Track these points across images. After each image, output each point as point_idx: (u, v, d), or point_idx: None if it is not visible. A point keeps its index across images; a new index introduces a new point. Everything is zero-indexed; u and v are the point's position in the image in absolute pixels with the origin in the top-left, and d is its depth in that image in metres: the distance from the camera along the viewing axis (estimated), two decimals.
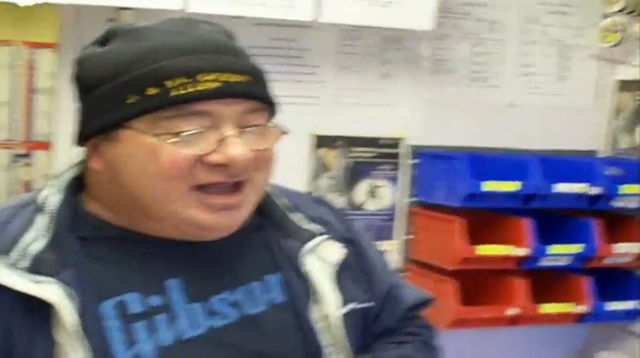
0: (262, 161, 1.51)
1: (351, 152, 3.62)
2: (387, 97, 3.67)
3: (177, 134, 1.42)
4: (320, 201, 1.82)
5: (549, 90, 3.92)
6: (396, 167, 3.69)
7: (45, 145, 5.68)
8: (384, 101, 3.67)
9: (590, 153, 3.98)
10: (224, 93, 1.44)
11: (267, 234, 1.64)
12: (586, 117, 3.98)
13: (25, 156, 6.02)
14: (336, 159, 3.61)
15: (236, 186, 1.47)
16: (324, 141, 3.58)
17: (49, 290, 1.38)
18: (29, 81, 6.05)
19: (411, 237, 3.73)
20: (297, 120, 3.41)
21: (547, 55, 3.91)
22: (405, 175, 3.70)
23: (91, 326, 1.41)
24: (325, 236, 1.66)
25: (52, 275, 1.40)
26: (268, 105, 1.53)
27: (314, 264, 1.62)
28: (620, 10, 3.80)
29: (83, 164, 1.55)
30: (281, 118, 3.26)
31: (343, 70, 3.59)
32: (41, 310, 1.39)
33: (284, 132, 1.55)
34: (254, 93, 1.49)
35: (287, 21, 3.36)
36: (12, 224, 1.47)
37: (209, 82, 1.42)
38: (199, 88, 1.41)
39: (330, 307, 1.58)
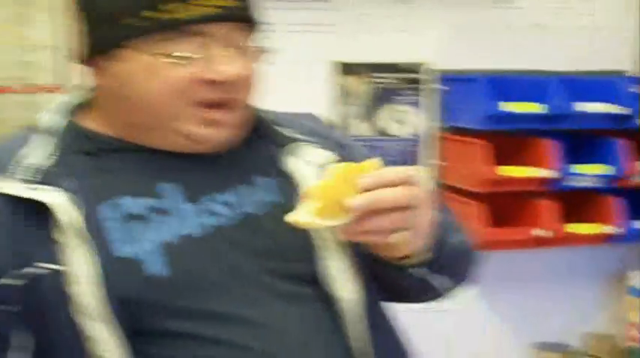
0: (250, 80, 1.62)
1: (374, 78, 3.64)
2: (409, 22, 3.66)
3: (171, 55, 1.52)
4: (310, 117, 1.91)
5: (576, 10, 3.87)
6: (420, 92, 3.69)
7: None
8: (406, 26, 3.66)
9: (619, 74, 3.90)
10: (214, 15, 1.53)
11: (259, 146, 1.72)
12: (614, 37, 3.92)
13: None
14: (359, 86, 3.63)
15: (228, 104, 1.58)
16: (346, 69, 3.60)
17: (47, 195, 1.48)
18: None
19: (441, 162, 3.76)
20: (318, 48, 3.52)
21: None
22: (429, 100, 3.70)
23: (91, 227, 1.49)
24: (309, 142, 1.74)
25: (57, 185, 1.50)
26: (254, 26, 1.62)
27: (299, 166, 1.69)
28: None
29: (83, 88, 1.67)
30: (301, 46, 3.43)
31: None
32: (41, 214, 1.48)
33: (266, 52, 1.63)
34: (242, 15, 1.58)
35: None
36: (4, 146, 1.60)
37: (200, 6, 1.51)
38: (190, 12, 1.50)
39: None
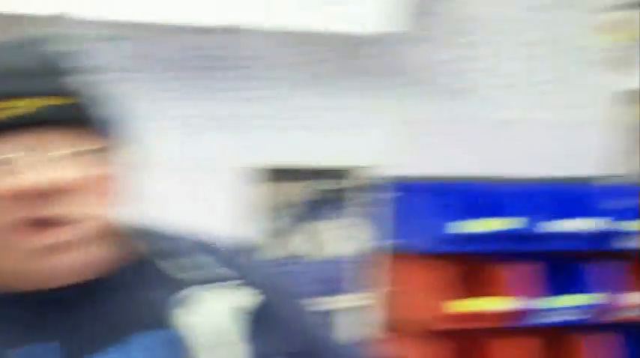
0: (85, 190, 1.42)
1: (307, 187, 3.27)
2: (351, 118, 3.29)
3: None
4: (217, 240, 1.64)
5: (542, 103, 3.53)
6: (364, 204, 3.28)
7: None
8: (347, 122, 3.29)
9: (598, 181, 3.56)
10: (18, 118, 1.41)
11: (140, 287, 1.50)
12: (592, 134, 3.57)
13: None
14: (288, 197, 3.24)
15: (53, 223, 1.40)
16: (276, 175, 3.20)
17: None
18: None
19: (388, 290, 3.36)
20: (239, 148, 3.19)
21: (538, 58, 3.51)
22: (374, 214, 3.32)
23: None
24: (210, 281, 1.51)
25: None
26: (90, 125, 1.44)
27: (195, 317, 1.48)
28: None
29: None
30: (212, 146, 3.36)
31: (295, 86, 3.21)
32: None
33: (125, 154, 1.45)
34: (61, 115, 1.42)
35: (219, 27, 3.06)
36: None
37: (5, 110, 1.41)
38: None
39: None
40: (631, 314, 3.37)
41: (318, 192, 3.28)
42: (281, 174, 3.22)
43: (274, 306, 1.56)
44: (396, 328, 3.33)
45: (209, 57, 3.15)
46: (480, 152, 3.43)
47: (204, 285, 1.50)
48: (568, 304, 3.27)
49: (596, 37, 3.52)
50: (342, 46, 3.27)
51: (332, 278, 3.33)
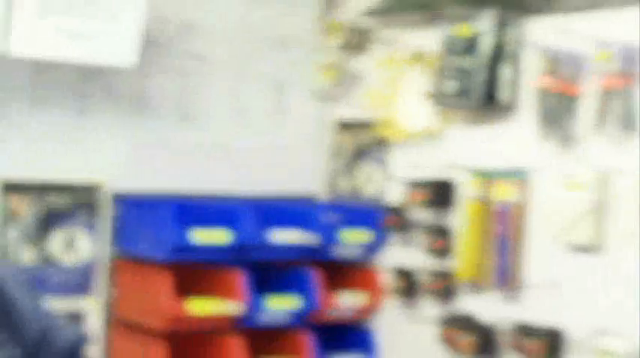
0: None
1: (43, 199, 3.26)
2: (83, 136, 3.35)
3: None
4: None
5: (264, 130, 3.70)
6: (95, 216, 3.35)
7: None
8: (81, 141, 3.35)
9: (310, 197, 3.77)
10: None
11: None
12: (304, 158, 3.79)
13: None
14: (26, 208, 3.24)
15: None
16: (11, 188, 3.21)
17: None
18: None
19: (115, 294, 3.41)
20: None
21: (262, 91, 3.68)
22: (105, 225, 3.37)
23: None
24: None
25: None
26: None
27: None
28: (343, 46, 3.64)
29: None
30: None
31: (35, 108, 3.24)
32: None
33: None
34: None
35: None
36: None
37: None
38: None
39: None
40: (340, 315, 3.51)
41: (53, 204, 3.27)
42: (16, 187, 3.21)
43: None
44: (124, 329, 3.35)
45: None
46: (199, 172, 3.55)
47: None
48: (282, 307, 3.35)
49: (315, 75, 3.70)
50: (82, 74, 3.30)
51: (70, 282, 3.31)
